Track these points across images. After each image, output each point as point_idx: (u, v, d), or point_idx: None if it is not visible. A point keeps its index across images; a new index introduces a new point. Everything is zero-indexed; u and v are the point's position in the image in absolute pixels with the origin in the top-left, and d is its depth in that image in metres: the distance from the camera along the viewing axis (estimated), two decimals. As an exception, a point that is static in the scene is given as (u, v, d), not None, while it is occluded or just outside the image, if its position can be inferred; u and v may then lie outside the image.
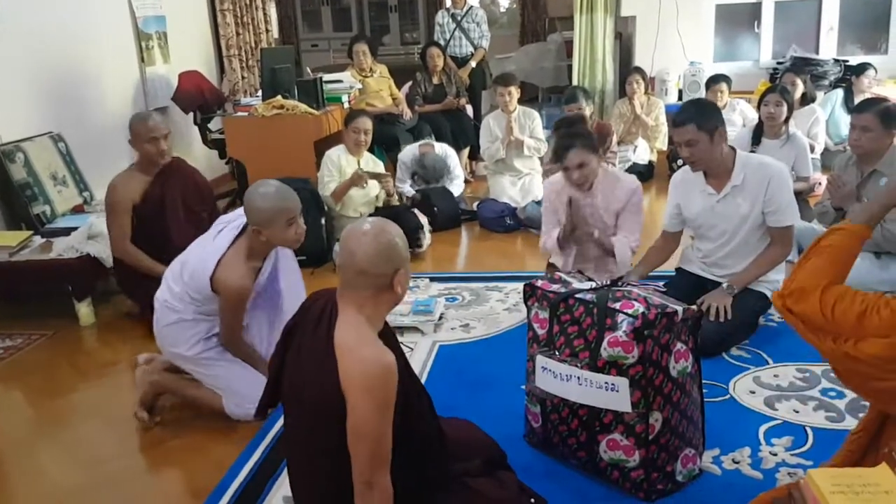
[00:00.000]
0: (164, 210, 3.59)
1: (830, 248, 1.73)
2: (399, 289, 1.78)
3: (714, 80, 5.90)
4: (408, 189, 5.34)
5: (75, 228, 3.96)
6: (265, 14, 7.08)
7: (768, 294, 3.13)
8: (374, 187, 4.69)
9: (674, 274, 3.45)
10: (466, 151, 6.42)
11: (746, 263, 3.15)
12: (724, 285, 3.12)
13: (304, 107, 4.57)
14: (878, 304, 1.59)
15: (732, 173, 3.09)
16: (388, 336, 1.86)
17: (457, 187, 5.48)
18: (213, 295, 2.64)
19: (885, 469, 1.26)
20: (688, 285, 3.24)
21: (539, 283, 2.43)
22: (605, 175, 3.46)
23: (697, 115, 3.00)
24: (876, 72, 6.03)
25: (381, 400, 1.66)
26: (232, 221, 2.73)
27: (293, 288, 2.90)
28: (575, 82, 6.95)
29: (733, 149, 3.14)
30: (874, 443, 1.67)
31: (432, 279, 4.14)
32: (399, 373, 1.71)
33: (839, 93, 6.17)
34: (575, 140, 3.35)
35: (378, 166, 4.80)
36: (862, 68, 6.05)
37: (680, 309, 2.15)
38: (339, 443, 1.69)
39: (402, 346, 3.21)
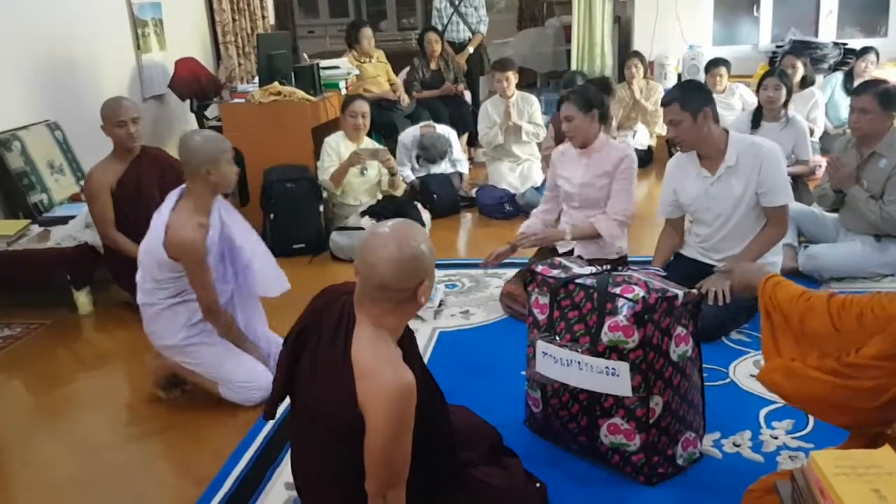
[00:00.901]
0: (141, 197, 3.58)
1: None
2: (423, 299, 1.67)
3: (713, 64, 5.87)
4: (408, 174, 5.31)
5: (73, 217, 3.95)
6: (261, 0, 7.03)
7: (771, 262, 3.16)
8: (374, 173, 4.67)
9: (672, 260, 3.44)
10: (465, 138, 6.38)
11: (743, 246, 3.15)
12: (720, 266, 3.05)
13: (301, 93, 4.54)
14: (870, 303, 1.66)
15: (725, 154, 3.08)
16: (407, 338, 1.78)
17: (463, 166, 5.49)
18: (172, 264, 2.65)
19: (889, 451, 1.25)
20: (686, 270, 3.23)
21: (539, 268, 2.42)
22: (602, 141, 3.43)
23: (682, 96, 3.03)
24: (878, 56, 5.99)
25: (401, 421, 1.59)
26: (167, 200, 2.75)
27: (248, 238, 2.90)
28: (574, 67, 6.92)
29: (727, 130, 3.14)
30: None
31: (432, 265, 4.13)
32: (418, 382, 1.64)
33: (838, 76, 6.14)
34: (570, 95, 3.39)
35: (374, 164, 4.76)
36: (863, 52, 6.02)
37: (680, 293, 2.14)
38: (352, 461, 1.63)
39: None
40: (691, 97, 3.02)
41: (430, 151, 5.35)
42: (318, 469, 1.79)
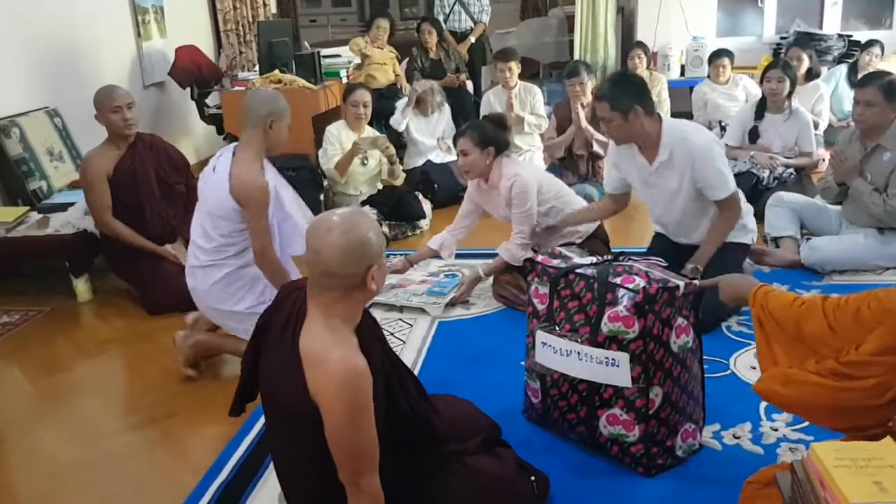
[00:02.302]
0: (137, 183, 3.59)
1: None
2: (373, 286, 1.65)
3: (716, 55, 5.84)
4: (401, 122, 5.29)
5: (72, 204, 3.94)
6: (263, -12, 7.00)
7: (744, 241, 3.23)
8: (375, 163, 4.65)
9: (645, 250, 3.39)
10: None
11: (702, 227, 3.15)
12: (689, 268, 3.04)
13: (302, 81, 4.52)
14: (866, 299, 1.65)
15: (659, 148, 3.04)
16: (367, 328, 1.76)
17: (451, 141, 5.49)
18: (242, 213, 2.70)
19: (890, 442, 1.24)
20: (665, 248, 3.22)
21: (539, 258, 2.41)
22: (497, 174, 3.43)
23: (611, 94, 2.98)
24: (882, 49, 5.95)
25: (355, 404, 1.57)
26: (219, 158, 2.81)
27: (296, 204, 2.98)
28: (576, 58, 6.88)
29: (661, 119, 3.06)
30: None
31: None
32: (376, 369, 1.63)
33: (842, 68, 6.11)
34: (466, 131, 3.41)
35: (375, 154, 4.74)
36: (868, 44, 5.98)
37: (681, 284, 2.13)
38: (320, 449, 1.62)
39: (402, 321, 3.30)
40: (621, 96, 2.96)
41: (424, 95, 5.32)
42: (290, 460, 1.79)
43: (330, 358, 1.58)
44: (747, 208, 3.29)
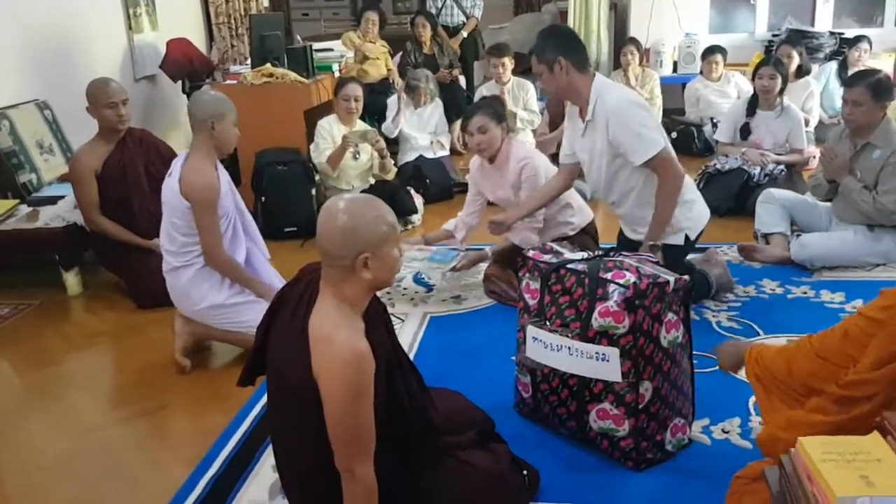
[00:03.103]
0: (127, 179, 3.59)
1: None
2: (366, 274, 1.65)
3: (710, 52, 5.85)
4: (392, 130, 5.28)
5: (62, 197, 3.92)
6: (255, -19, 6.97)
7: (676, 241, 3.03)
8: (366, 158, 4.64)
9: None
10: (459, 123, 6.35)
11: (633, 207, 3.03)
12: (648, 246, 2.94)
13: (293, 75, 4.50)
14: (853, 319, 1.65)
15: (588, 107, 2.94)
16: (375, 315, 1.78)
17: (444, 139, 5.51)
18: (192, 212, 2.80)
19: (877, 437, 1.25)
20: (623, 243, 3.18)
21: (530, 252, 2.42)
22: (504, 153, 3.41)
23: (538, 45, 2.91)
24: (870, 45, 5.97)
25: (355, 387, 1.59)
26: (175, 163, 2.93)
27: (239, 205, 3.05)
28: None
29: (594, 76, 2.94)
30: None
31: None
32: (380, 356, 1.65)
33: (833, 65, 6.13)
34: (479, 109, 3.38)
35: (366, 149, 4.72)
36: (855, 40, 6.01)
37: (672, 279, 2.14)
38: (319, 433, 1.63)
39: (393, 316, 3.27)
40: (546, 48, 2.88)
41: (416, 80, 5.31)
42: (289, 444, 1.80)
43: (335, 339, 1.61)
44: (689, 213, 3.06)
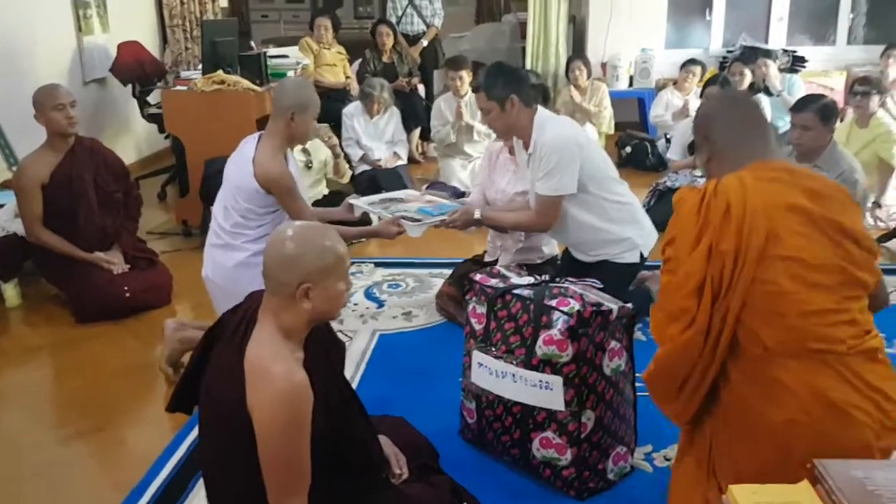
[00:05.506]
0: (73, 191, 3.49)
1: None
2: (306, 304, 1.60)
3: (691, 62, 5.78)
4: (356, 152, 5.20)
5: (1, 206, 3.79)
6: (212, -17, 6.85)
7: (632, 259, 3.03)
8: (319, 166, 4.58)
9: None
10: (417, 132, 6.33)
11: (574, 233, 3.02)
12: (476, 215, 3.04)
13: (245, 82, 4.41)
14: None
15: (531, 140, 2.94)
16: (317, 342, 1.72)
17: (402, 149, 5.45)
18: (264, 196, 2.77)
19: (807, 486, 1.25)
20: (567, 262, 3.21)
21: (478, 276, 2.39)
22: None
23: (487, 83, 2.92)
24: (775, 60, 5.98)
25: (291, 422, 1.54)
26: (246, 143, 2.89)
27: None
28: (528, 65, 6.90)
29: (536, 110, 2.95)
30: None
31: (377, 264, 4.08)
32: (318, 388, 1.60)
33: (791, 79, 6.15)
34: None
35: (321, 150, 4.67)
36: (756, 54, 5.97)
37: (615, 307, 2.14)
38: (251, 468, 1.58)
39: (341, 333, 3.24)
40: (496, 85, 2.88)
41: (370, 88, 5.23)
42: (220, 477, 1.74)
43: (272, 371, 1.56)
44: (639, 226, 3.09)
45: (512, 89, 2.87)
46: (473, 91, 3.06)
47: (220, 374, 1.67)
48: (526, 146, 2.99)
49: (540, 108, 2.99)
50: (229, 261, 2.82)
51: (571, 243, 3.17)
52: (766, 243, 1.61)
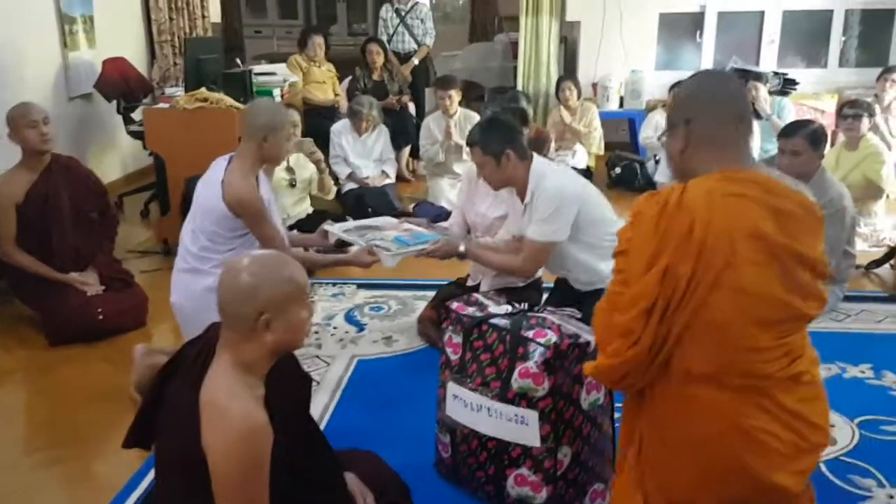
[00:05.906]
0: (48, 211, 3.43)
1: None
2: (269, 336, 1.54)
3: (681, 84, 5.74)
4: (343, 170, 5.15)
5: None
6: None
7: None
8: (303, 185, 4.52)
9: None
10: (407, 150, 6.29)
11: (578, 273, 3.00)
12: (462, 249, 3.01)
13: (229, 100, 4.35)
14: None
15: (527, 190, 2.93)
16: (280, 376, 1.64)
17: (390, 167, 5.40)
18: (232, 219, 2.71)
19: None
20: (564, 291, 3.13)
21: (454, 304, 2.33)
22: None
23: (482, 139, 2.90)
24: (766, 82, 5.96)
25: (248, 463, 1.48)
26: (216, 164, 2.84)
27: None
28: (520, 84, 6.87)
29: (532, 160, 2.93)
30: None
31: (359, 286, 4.01)
32: (279, 427, 1.53)
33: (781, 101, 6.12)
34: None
35: (306, 167, 4.61)
36: (747, 77, 5.95)
37: (593, 339, 2.06)
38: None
39: (318, 359, 3.17)
40: (491, 139, 2.87)
41: (359, 105, 5.17)
42: None
43: (229, 409, 1.49)
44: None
45: (507, 144, 2.85)
46: (468, 145, 2.99)
47: (176, 410, 1.60)
48: (522, 197, 2.95)
49: (536, 158, 2.96)
50: (197, 286, 2.73)
51: (570, 278, 3.10)
52: (723, 270, 1.54)
